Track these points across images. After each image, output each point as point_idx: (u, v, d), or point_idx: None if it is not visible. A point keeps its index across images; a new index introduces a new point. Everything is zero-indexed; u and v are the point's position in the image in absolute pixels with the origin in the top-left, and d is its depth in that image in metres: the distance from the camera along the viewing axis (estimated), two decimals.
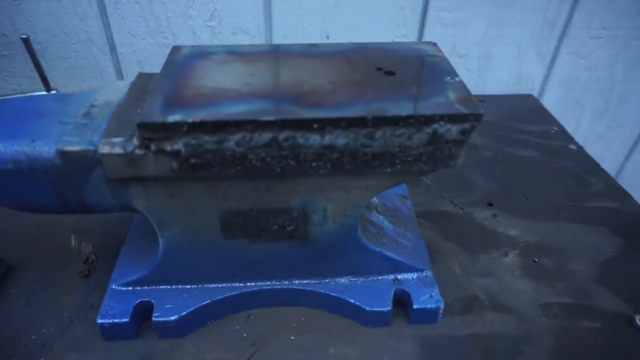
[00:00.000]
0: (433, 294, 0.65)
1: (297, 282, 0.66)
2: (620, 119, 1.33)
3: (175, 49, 0.61)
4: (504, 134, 1.07)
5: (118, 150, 0.49)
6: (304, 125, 0.47)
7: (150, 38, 1.09)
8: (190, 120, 0.46)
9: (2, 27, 1.05)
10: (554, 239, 0.80)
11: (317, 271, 0.65)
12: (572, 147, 1.04)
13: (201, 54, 0.60)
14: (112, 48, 1.10)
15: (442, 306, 0.64)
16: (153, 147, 0.48)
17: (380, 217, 0.70)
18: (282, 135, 0.48)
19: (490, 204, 0.87)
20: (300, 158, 0.50)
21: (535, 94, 1.27)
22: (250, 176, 0.53)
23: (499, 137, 1.06)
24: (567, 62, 1.22)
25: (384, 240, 0.66)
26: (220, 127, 0.47)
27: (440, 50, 0.62)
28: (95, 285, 0.70)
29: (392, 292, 0.65)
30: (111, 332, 0.62)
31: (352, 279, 0.66)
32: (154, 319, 0.61)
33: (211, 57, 0.59)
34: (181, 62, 0.58)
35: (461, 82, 0.54)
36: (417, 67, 0.57)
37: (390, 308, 0.64)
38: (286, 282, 0.66)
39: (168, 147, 0.48)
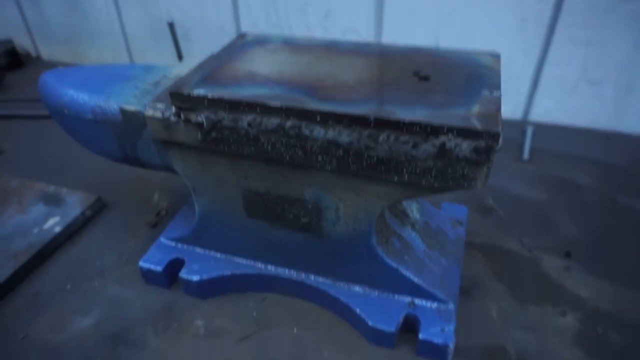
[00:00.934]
0: (446, 329, 0.59)
1: (312, 277, 0.66)
2: None
3: (241, 36, 0.66)
4: (624, 181, 0.90)
5: (157, 114, 0.56)
6: (307, 115, 0.48)
7: (270, 30, 1.18)
8: (210, 95, 0.51)
9: (159, 12, 1.26)
10: (633, 313, 0.64)
11: (333, 271, 0.65)
12: None
13: (260, 41, 0.64)
14: None
15: (451, 345, 0.57)
16: (183, 116, 0.54)
17: (414, 234, 0.65)
18: (288, 123, 0.49)
19: (568, 254, 0.74)
20: (307, 149, 0.50)
21: None
22: (265, 159, 0.55)
23: (616, 182, 0.89)
24: None
25: (406, 257, 0.62)
26: (234, 105, 0.50)
27: (499, 63, 0.55)
28: (157, 236, 0.80)
29: (403, 314, 0.61)
30: (148, 277, 0.71)
31: (367, 289, 0.64)
32: (180, 275, 0.68)
33: (267, 45, 0.63)
34: (239, 46, 0.63)
35: (498, 98, 0.48)
36: (458, 75, 0.52)
37: (394, 330, 0.60)
38: (303, 275, 0.67)
39: (193, 118, 0.53)
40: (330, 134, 0.48)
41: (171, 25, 1.17)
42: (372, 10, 1.07)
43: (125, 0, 1.28)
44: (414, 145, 0.46)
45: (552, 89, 1.05)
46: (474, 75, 0.52)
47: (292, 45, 0.63)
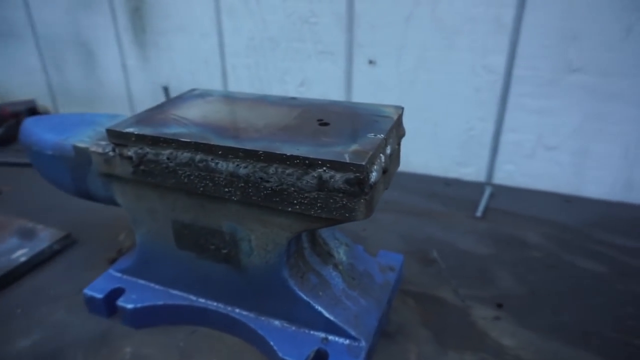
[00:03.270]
0: None
1: (237, 310, 0.69)
2: None
3: (191, 90, 0.76)
4: (574, 240, 0.90)
5: (99, 149, 0.64)
6: (211, 150, 0.55)
7: None
8: (137, 132, 0.59)
9: (161, 79, 1.41)
10: None
11: (254, 305, 0.68)
12: None
13: (202, 95, 0.73)
14: None
15: None
16: (117, 150, 0.62)
17: (335, 273, 0.68)
18: (197, 156, 0.56)
19: (499, 305, 0.74)
20: (215, 181, 0.57)
21: None
22: (186, 191, 0.61)
23: (564, 241, 0.90)
24: None
25: (320, 293, 0.65)
26: (155, 141, 0.58)
27: (398, 113, 0.61)
28: None
29: (314, 349, 0.62)
30: (90, 305, 0.75)
31: (285, 323, 0.66)
32: (117, 302, 0.73)
33: (207, 97, 0.72)
34: (184, 98, 0.72)
35: (378, 139, 0.53)
36: (357, 123, 0.59)
37: None
38: (229, 308, 0.70)
39: (125, 152, 0.61)
40: (231, 166, 0.55)
41: (166, 89, 1.31)
42: (342, 80, 1.18)
43: (133, 70, 1.45)
44: (298, 177, 0.51)
45: (511, 154, 1.10)
46: (369, 122, 0.59)
47: (228, 98, 0.72)
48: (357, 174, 0.48)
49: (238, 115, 0.63)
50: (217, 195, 0.58)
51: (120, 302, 0.72)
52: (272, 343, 0.64)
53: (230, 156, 0.54)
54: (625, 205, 1.03)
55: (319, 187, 0.51)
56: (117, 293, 0.75)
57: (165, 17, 1.32)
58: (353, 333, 0.63)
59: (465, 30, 1.02)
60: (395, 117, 0.60)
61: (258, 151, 0.52)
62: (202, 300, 0.72)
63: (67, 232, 0.94)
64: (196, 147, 0.55)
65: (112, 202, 0.72)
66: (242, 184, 0.55)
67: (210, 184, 0.57)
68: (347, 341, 0.63)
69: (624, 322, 0.71)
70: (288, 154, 0.51)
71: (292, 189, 0.52)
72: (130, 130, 0.59)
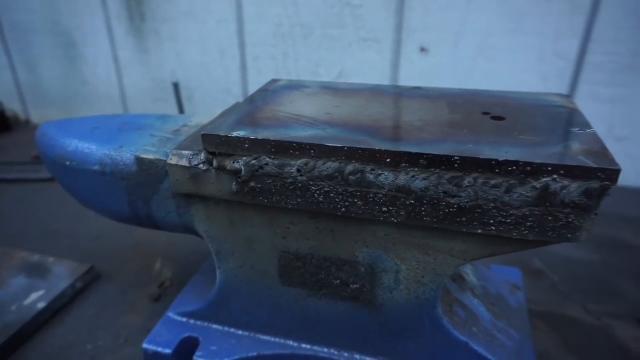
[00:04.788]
0: None
1: (358, 357, 0.55)
2: None
3: (273, 81, 0.60)
4: None
5: (183, 162, 0.47)
6: (375, 157, 0.40)
7: None
8: (253, 136, 0.43)
9: (163, 73, 1.22)
10: None
11: (385, 350, 0.54)
12: None
13: (295, 86, 0.58)
14: None
15: None
16: (215, 163, 0.45)
17: (476, 301, 0.56)
18: (349, 167, 0.41)
19: None
20: (368, 198, 0.42)
21: None
22: (313, 213, 0.46)
23: None
24: None
25: (474, 329, 0.52)
26: (282, 148, 0.42)
27: (573, 103, 0.50)
28: (161, 311, 0.69)
29: None
30: None
31: None
32: (195, 357, 0.56)
33: (304, 89, 0.57)
34: (272, 90, 0.56)
35: (594, 133, 0.42)
36: (536, 114, 0.46)
37: None
38: (346, 354, 0.55)
39: (229, 165, 0.45)
40: (402, 178, 0.40)
41: (176, 85, 1.13)
42: (387, 70, 1.05)
43: (127, 64, 1.24)
44: (507, 190, 0.38)
45: None
46: (552, 113, 0.46)
47: (332, 89, 0.57)
48: (606, 182, 0.36)
49: (371, 111, 0.49)
50: (366, 216, 0.43)
51: (201, 358, 0.56)
52: None
53: (403, 164, 0.40)
54: None
55: (537, 201, 0.38)
56: (189, 345, 0.58)
57: (169, 0, 1.13)
58: None
59: (534, 11, 0.92)
60: (576, 106, 0.48)
61: (452, 157, 0.38)
62: (307, 346, 0.56)
63: (89, 264, 0.75)
64: (349, 154, 0.41)
65: (184, 229, 0.55)
66: (413, 201, 0.41)
67: (360, 203, 0.43)
68: None
69: None
70: (501, 160, 0.37)
71: (492, 205, 0.39)
72: (241, 134, 0.43)
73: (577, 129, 0.43)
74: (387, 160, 0.40)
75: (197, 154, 0.47)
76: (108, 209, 0.57)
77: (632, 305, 0.67)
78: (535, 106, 0.49)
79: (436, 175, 0.39)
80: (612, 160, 0.36)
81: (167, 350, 0.57)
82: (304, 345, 0.56)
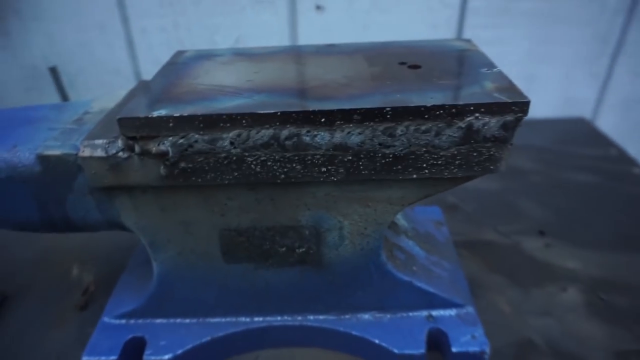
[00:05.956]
0: (476, 334, 0.53)
1: (312, 317, 0.56)
2: None
3: (179, 52, 0.56)
4: (554, 159, 0.96)
5: (99, 153, 0.43)
6: (310, 119, 0.40)
7: None
8: (177, 114, 0.40)
9: (34, 59, 1.07)
10: (624, 273, 0.66)
11: (336, 305, 0.56)
12: (637, 170, 0.90)
13: (205, 56, 0.54)
14: (138, 77, 1.09)
15: (487, 350, 0.52)
16: (137, 148, 0.42)
17: (411, 242, 0.60)
18: (284, 133, 0.41)
19: (542, 232, 0.74)
20: (307, 161, 0.42)
21: (588, 116, 1.15)
22: (251, 185, 0.45)
23: (548, 161, 0.95)
24: (625, 82, 1.10)
25: (414, 268, 0.56)
26: (212, 122, 0.40)
27: (475, 46, 0.53)
28: (91, 319, 0.63)
29: (426, 331, 0.54)
30: None
31: (377, 314, 0.56)
32: (145, 357, 0.53)
33: (215, 58, 0.54)
34: (182, 63, 0.53)
35: (500, 72, 0.45)
36: (447, 60, 0.49)
37: (424, 351, 0.52)
38: (299, 318, 0.56)
39: (154, 148, 0.42)
40: (338, 136, 0.41)
41: (54, 71, 0.99)
42: (285, 31, 1.03)
43: None
44: (437, 133, 0.41)
45: None
46: (461, 57, 0.50)
47: (245, 55, 0.54)
48: (520, 114, 0.40)
49: (293, 73, 0.48)
50: (306, 180, 0.43)
51: (151, 356, 0.53)
52: (377, 341, 0.53)
53: (338, 122, 0.40)
54: (569, 121, 1.12)
55: (463, 140, 0.41)
56: (135, 346, 0.55)
57: None
58: (459, 301, 0.56)
59: None
60: (478, 48, 0.52)
61: (384, 108, 0.39)
62: (259, 318, 0.56)
63: None
64: (284, 118, 0.40)
65: (110, 226, 0.50)
66: (350, 157, 0.42)
67: (299, 167, 0.42)
68: (454, 311, 0.56)
69: None
70: (429, 105, 0.39)
71: (424, 149, 0.41)
72: (163, 113, 0.40)
73: (485, 69, 0.46)
74: (322, 120, 0.40)
75: (113, 142, 0.43)
76: (12, 220, 0.50)
77: (533, 221, 0.77)
78: (444, 52, 0.52)
79: (371, 128, 0.40)
80: (521, 94, 0.40)
81: (113, 358, 0.53)
82: (256, 319, 0.56)
